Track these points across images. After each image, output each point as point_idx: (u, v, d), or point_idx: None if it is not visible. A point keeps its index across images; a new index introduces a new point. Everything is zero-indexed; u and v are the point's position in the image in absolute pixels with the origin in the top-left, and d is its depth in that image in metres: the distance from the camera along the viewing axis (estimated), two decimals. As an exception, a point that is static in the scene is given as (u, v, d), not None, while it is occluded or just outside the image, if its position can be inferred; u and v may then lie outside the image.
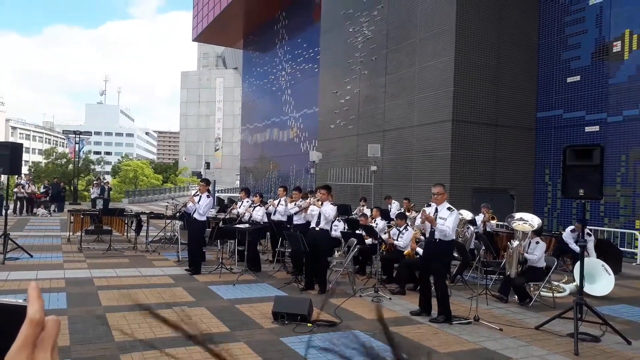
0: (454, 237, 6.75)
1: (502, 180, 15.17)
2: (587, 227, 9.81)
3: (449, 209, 6.51)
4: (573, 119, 14.87)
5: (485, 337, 5.81)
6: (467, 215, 9.23)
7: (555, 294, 7.86)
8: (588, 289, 7.86)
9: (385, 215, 11.74)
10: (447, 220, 6.38)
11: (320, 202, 8.18)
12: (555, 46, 15.50)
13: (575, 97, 14.83)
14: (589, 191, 5.88)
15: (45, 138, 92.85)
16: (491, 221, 10.26)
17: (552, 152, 15.34)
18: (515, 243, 7.50)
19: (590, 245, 9.78)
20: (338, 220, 9.92)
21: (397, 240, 9.01)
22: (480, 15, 14.90)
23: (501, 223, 10.62)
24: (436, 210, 6.55)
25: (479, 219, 10.27)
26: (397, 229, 9.17)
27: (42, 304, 0.53)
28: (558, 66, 15.37)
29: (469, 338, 5.77)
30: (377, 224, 9.88)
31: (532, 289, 7.90)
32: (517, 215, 7.97)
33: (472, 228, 9.47)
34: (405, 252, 8.64)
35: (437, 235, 6.47)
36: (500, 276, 8.40)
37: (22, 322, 0.52)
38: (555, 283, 8.38)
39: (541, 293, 7.76)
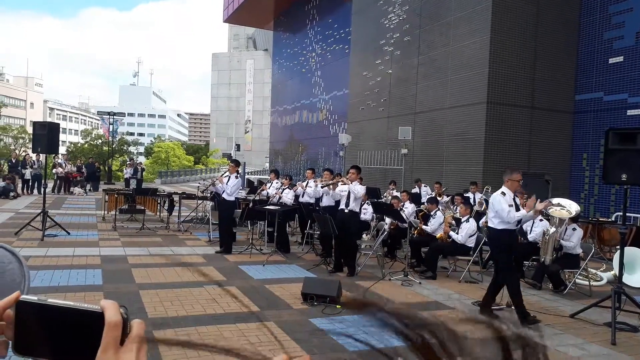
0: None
1: (537, 165, 14.75)
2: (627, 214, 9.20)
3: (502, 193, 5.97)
4: (614, 101, 14.27)
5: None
6: (501, 199, 8.99)
7: (591, 282, 7.63)
8: (627, 279, 7.60)
9: (415, 198, 11.59)
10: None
11: (349, 182, 8.14)
12: (597, 25, 14.83)
13: (618, 79, 14.19)
14: (633, 176, 5.63)
15: (81, 119, 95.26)
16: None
17: (591, 136, 14.79)
18: (552, 229, 7.28)
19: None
20: (367, 203, 9.86)
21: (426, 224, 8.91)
22: (518, -7, 14.35)
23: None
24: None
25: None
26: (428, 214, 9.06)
27: (117, 307, 0.56)
28: (599, 46, 14.72)
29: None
30: (406, 207, 9.76)
31: (567, 276, 7.69)
32: (555, 200, 7.73)
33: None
34: (438, 235, 8.53)
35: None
36: (534, 263, 8.21)
37: (100, 327, 0.55)
38: (593, 271, 8.13)
39: (577, 281, 7.55)
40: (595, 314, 6.02)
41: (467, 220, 8.23)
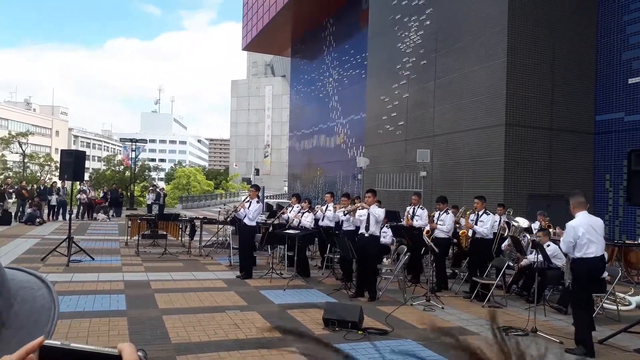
0: (578, 254, 5.66)
1: (559, 187, 14.57)
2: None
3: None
4: (635, 122, 14.11)
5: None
6: (523, 222, 8.92)
7: (620, 307, 7.45)
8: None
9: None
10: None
11: (368, 206, 8.16)
12: (615, 46, 14.78)
13: (638, 99, 14.06)
14: (657, 198, 5.55)
15: (104, 146, 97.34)
16: (548, 229, 9.86)
17: (613, 157, 14.59)
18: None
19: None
20: (387, 226, 9.85)
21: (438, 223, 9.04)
22: (533, 16, 14.43)
23: (560, 231, 10.17)
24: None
25: (535, 226, 9.90)
26: (439, 213, 9.14)
27: (133, 349, 0.58)
28: (618, 67, 14.64)
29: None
30: (419, 215, 9.80)
31: (594, 300, 7.52)
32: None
33: (528, 236, 9.14)
34: (461, 232, 8.56)
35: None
36: (560, 287, 8.06)
37: None
38: (620, 295, 7.94)
39: (604, 305, 7.38)
40: (625, 339, 5.87)
41: (487, 213, 8.37)
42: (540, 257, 6.86)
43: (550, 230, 9.86)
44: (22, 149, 40.73)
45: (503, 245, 8.97)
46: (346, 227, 9.53)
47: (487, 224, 8.23)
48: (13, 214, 18.66)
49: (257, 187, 10.11)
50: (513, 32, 14.20)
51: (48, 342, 0.58)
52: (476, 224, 8.35)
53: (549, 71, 14.58)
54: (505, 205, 11.28)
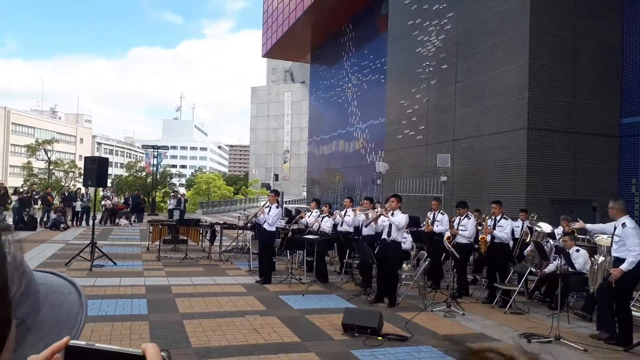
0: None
1: (583, 191, 14.27)
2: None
3: (623, 225, 5.97)
4: (663, 124, 13.76)
5: (567, 358, 5.46)
6: (546, 228, 8.77)
7: (647, 314, 7.24)
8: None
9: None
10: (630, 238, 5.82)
11: (390, 212, 8.10)
12: (640, 47, 14.47)
13: (666, 101, 13.72)
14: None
15: (127, 152, 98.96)
16: (574, 234, 9.66)
17: (639, 160, 14.24)
18: (601, 259, 7.01)
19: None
20: (406, 232, 9.78)
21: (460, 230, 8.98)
22: (555, 17, 14.22)
23: (582, 236, 9.97)
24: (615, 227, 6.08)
25: (558, 232, 9.71)
26: (459, 218, 9.07)
27: (157, 349, 0.59)
28: (645, 68, 14.31)
29: (549, 358, 5.45)
30: (439, 221, 9.74)
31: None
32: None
33: (551, 242, 8.97)
34: (480, 237, 8.48)
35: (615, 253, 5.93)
36: (584, 293, 7.89)
37: None
38: (647, 302, 7.72)
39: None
40: (653, 348, 5.71)
41: (505, 218, 8.36)
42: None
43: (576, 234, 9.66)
44: (47, 156, 41.71)
45: (526, 250, 8.83)
46: (366, 232, 9.49)
47: (506, 228, 8.20)
48: (38, 220, 19.08)
49: (276, 192, 10.15)
50: (535, 34, 14.01)
51: (73, 342, 0.59)
52: (494, 228, 8.27)
53: (572, 73, 14.34)
54: (528, 211, 11.10)
